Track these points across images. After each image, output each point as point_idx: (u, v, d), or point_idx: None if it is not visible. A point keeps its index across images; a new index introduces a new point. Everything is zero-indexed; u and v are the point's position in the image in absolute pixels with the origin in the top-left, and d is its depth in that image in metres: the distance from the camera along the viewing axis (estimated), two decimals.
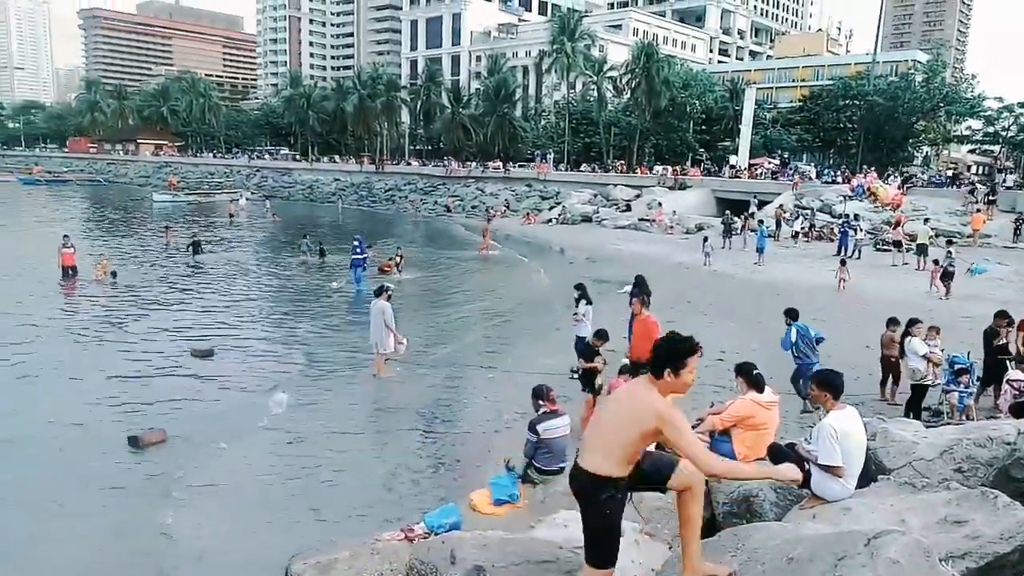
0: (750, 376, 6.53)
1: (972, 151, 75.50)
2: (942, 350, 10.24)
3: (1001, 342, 10.48)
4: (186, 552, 6.78)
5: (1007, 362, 10.08)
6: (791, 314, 11.02)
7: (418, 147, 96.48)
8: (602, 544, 3.78)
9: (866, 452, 5.49)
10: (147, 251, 29.63)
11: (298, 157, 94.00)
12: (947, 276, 20.22)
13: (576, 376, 11.10)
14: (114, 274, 21.59)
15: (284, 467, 8.76)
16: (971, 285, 21.68)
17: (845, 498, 5.10)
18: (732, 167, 53.63)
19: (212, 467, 8.79)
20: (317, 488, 8.24)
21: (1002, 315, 10.71)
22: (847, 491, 5.15)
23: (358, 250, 21.19)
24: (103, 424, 10.03)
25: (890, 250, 27.86)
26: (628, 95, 68.95)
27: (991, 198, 35.78)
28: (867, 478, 5.42)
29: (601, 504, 3.66)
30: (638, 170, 59.27)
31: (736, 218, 34.60)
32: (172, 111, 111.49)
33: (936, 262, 21.43)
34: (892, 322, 11.13)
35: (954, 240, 26.00)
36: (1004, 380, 9.67)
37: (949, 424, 7.84)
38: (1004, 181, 42.10)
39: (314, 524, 7.23)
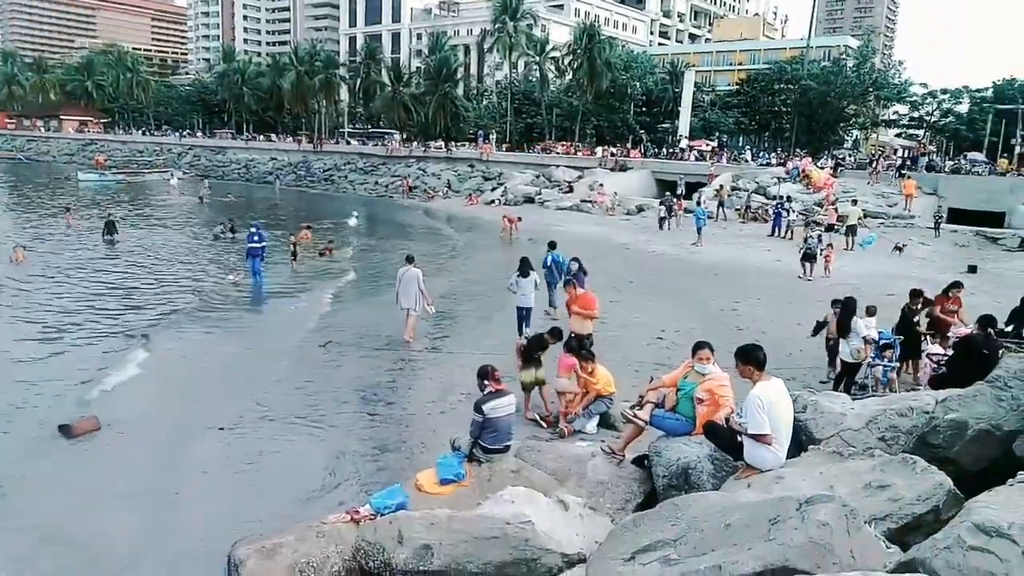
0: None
1: (899, 135, 78.55)
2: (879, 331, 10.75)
3: (915, 319, 11.01)
4: (125, 545, 6.59)
5: (925, 337, 10.62)
6: (551, 245, 16.16)
7: (357, 126, 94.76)
8: None
9: (796, 423, 5.75)
10: (61, 233, 28.23)
11: (234, 135, 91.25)
12: (809, 258, 20.38)
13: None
14: None
15: (224, 455, 8.58)
16: (895, 263, 22.68)
17: (777, 467, 5.34)
18: (684, 149, 53.92)
19: (148, 456, 8.55)
20: (259, 475, 8.11)
21: (916, 293, 11.23)
22: (778, 460, 5.39)
23: (255, 238, 19.41)
24: (30, 412, 9.65)
25: (820, 230, 28.87)
26: (570, 76, 69.24)
27: (903, 172, 39.50)
28: (798, 448, 5.68)
29: None
30: (580, 151, 59.68)
31: (675, 199, 35.27)
32: (97, 86, 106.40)
33: (830, 245, 21.82)
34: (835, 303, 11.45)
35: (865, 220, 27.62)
36: (923, 354, 10.21)
37: (874, 396, 8.24)
38: (926, 162, 44.37)
39: (257, 511, 7.10)
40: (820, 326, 11.65)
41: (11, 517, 7.07)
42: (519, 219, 30.79)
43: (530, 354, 9.54)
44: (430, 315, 14.03)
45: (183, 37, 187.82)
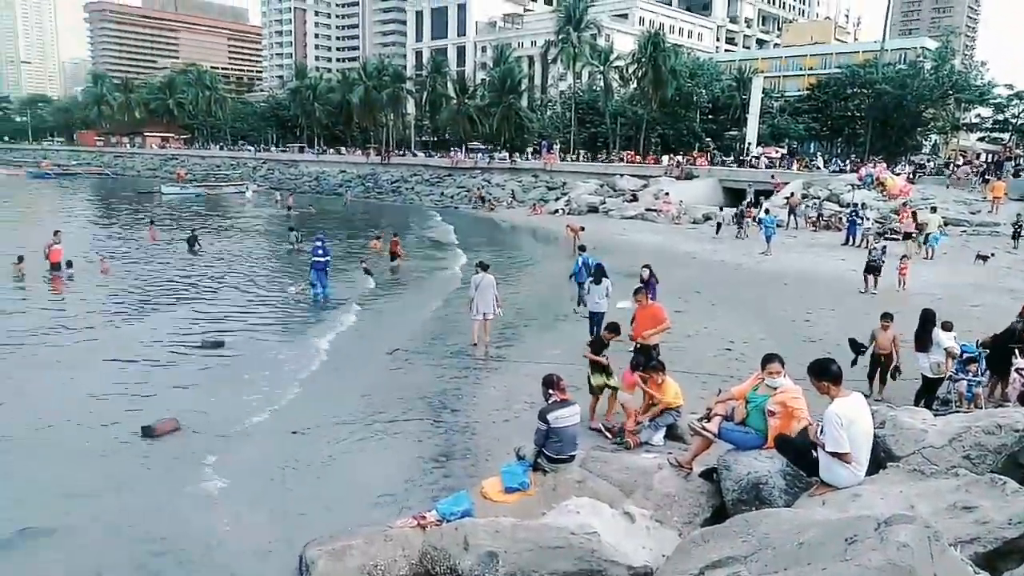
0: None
1: (981, 139, 74.80)
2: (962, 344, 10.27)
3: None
4: (201, 540, 6.86)
5: (1016, 351, 10.05)
6: (581, 248, 18.14)
7: (424, 138, 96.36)
8: None
9: (874, 439, 5.53)
10: (143, 244, 29.41)
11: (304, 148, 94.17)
12: (873, 270, 19.03)
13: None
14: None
15: (296, 457, 8.83)
16: (977, 273, 21.59)
17: (854, 484, 5.14)
18: (757, 157, 52.44)
19: (225, 456, 8.87)
20: (329, 477, 8.32)
21: None
22: (856, 477, 5.19)
23: (320, 251, 18.99)
24: (114, 416, 10.09)
25: (897, 239, 27.68)
26: (634, 85, 68.68)
27: (987, 177, 37.50)
28: (876, 465, 5.46)
29: None
30: (645, 160, 59.06)
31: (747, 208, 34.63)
32: (178, 104, 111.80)
33: (906, 256, 20.58)
34: (885, 317, 10.79)
35: (944, 225, 26.84)
36: (1013, 369, 9.68)
37: (958, 412, 7.86)
38: (1012, 167, 41.94)
39: (326, 512, 7.31)
40: (857, 348, 10.60)
41: (93, 508, 7.45)
42: (582, 228, 30.60)
43: (598, 355, 9.54)
44: (499, 318, 14.38)
45: (258, 55, 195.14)
